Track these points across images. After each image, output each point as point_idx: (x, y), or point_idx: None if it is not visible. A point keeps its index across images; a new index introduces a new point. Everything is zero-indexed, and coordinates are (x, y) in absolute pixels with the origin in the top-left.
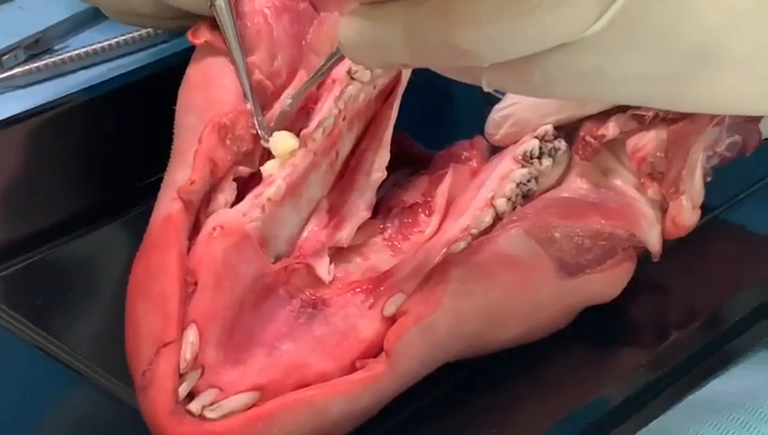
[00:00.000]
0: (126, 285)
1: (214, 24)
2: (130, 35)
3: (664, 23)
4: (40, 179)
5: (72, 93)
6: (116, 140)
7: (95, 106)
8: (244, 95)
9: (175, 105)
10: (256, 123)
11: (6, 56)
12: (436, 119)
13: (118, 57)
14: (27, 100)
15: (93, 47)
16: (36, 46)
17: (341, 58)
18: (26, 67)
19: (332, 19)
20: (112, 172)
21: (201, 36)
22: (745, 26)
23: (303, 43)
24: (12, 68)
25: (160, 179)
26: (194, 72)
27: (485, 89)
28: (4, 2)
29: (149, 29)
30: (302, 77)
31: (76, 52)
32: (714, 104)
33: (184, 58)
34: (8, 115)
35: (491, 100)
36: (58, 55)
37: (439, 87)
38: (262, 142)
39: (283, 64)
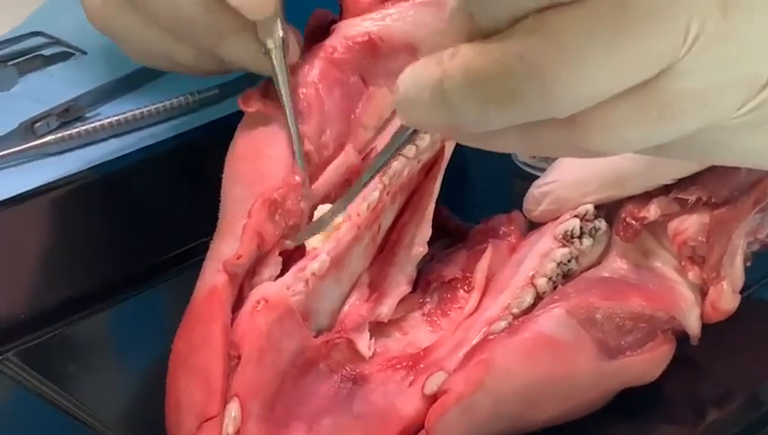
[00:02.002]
0: (157, 354)
1: (264, 93)
2: (162, 104)
3: None
4: (73, 247)
5: (103, 162)
6: (147, 209)
7: (126, 174)
8: (294, 155)
9: (205, 174)
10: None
11: (38, 124)
12: (468, 192)
13: (148, 126)
14: (59, 167)
15: (124, 116)
16: (68, 114)
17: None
18: (58, 135)
19: (381, 94)
20: (142, 241)
21: (252, 105)
22: None
23: (352, 117)
24: (44, 135)
25: (191, 249)
26: (242, 142)
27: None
28: (36, 69)
29: (180, 98)
30: (348, 151)
31: (107, 120)
32: None
33: (214, 128)
34: (41, 183)
35: (522, 174)
36: (90, 123)
37: (472, 161)
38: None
39: (331, 139)
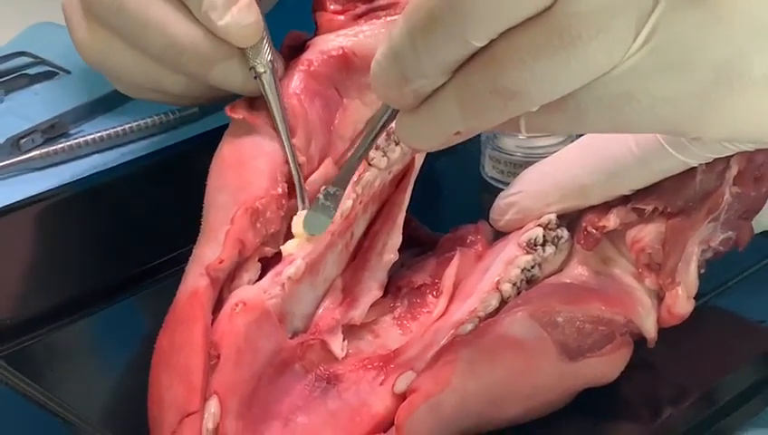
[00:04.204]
0: (138, 357)
1: (250, 103)
2: (144, 121)
3: (692, 39)
4: (57, 257)
5: (86, 176)
6: (128, 221)
7: (108, 188)
8: (288, 163)
9: (184, 187)
10: (298, 195)
11: (24, 140)
12: (438, 205)
13: (130, 142)
14: (44, 181)
15: (107, 132)
16: (52, 130)
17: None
18: (43, 150)
19: (354, 106)
20: (123, 251)
21: (239, 112)
22: (766, 38)
23: (332, 128)
24: (29, 151)
25: (170, 259)
26: (228, 151)
27: (524, 133)
28: (21, 88)
29: (161, 116)
30: (327, 164)
31: (90, 136)
32: (735, 128)
33: (193, 144)
34: (27, 196)
35: (489, 188)
36: (73, 139)
37: (442, 176)
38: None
39: (316, 150)
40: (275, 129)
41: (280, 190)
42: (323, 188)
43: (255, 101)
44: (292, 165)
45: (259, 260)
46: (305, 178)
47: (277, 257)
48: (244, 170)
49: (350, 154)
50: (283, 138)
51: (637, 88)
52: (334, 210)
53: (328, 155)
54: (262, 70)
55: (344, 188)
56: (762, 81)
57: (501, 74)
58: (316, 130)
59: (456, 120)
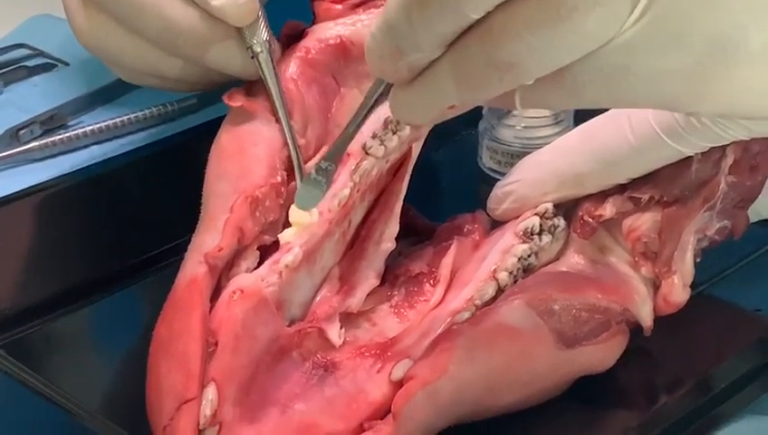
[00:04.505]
0: (137, 345)
1: (248, 90)
2: (141, 113)
3: (690, 13)
4: (56, 247)
5: (85, 167)
6: (126, 211)
7: (107, 179)
8: (287, 147)
9: (181, 178)
10: (297, 176)
11: (23, 131)
12: (436, 195)
13: (128, 133)
14: (43, 172)
15: (106, 123)
16: (51, 122)
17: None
18: (42, 142)
19: (352, 95)
20: (121, 242)
21: (237, 100)
22: (765, 13)
23: (329, 116)
24: (28, 142)
25: (167, 250)
26: (226, 138)
27: (518, 107)
28: (20, 80)
29: (160, 107)
30: (324, 152)
31: (89, 127)
32: (732, 103)
33: (191, 135)
34: (26, 186)
35: (487, 179)
36: (72, 130)
37: (440, 166)
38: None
39: (313, 136)
40: (273, 114)
41: (279, 178)
42: (315, 162)
43: (252, 89)
44: (290, 144)
45: (257, 248)
46: (305, 161)
47: (275, 245)
48: (244, 158)
49: (343, 129)
50: (282, 118)
51: (633, 61)
52: (326, 184)
53: (325, 143)
54: (259, 49)
55: (336, 163)
56: (759, 54)
57: (497, 47)
58: (313, 116)
59: (451, 94)
